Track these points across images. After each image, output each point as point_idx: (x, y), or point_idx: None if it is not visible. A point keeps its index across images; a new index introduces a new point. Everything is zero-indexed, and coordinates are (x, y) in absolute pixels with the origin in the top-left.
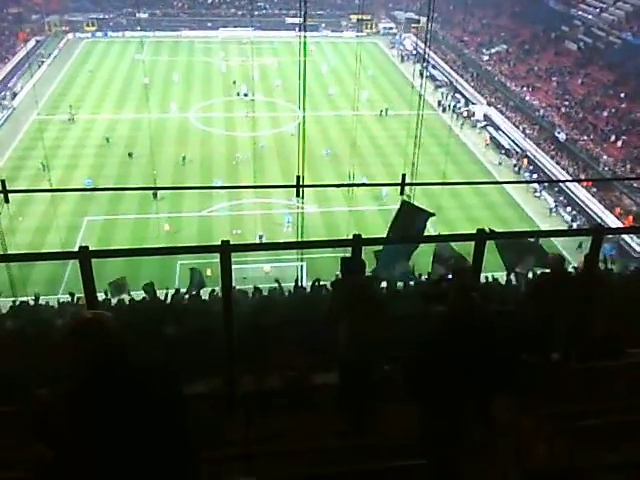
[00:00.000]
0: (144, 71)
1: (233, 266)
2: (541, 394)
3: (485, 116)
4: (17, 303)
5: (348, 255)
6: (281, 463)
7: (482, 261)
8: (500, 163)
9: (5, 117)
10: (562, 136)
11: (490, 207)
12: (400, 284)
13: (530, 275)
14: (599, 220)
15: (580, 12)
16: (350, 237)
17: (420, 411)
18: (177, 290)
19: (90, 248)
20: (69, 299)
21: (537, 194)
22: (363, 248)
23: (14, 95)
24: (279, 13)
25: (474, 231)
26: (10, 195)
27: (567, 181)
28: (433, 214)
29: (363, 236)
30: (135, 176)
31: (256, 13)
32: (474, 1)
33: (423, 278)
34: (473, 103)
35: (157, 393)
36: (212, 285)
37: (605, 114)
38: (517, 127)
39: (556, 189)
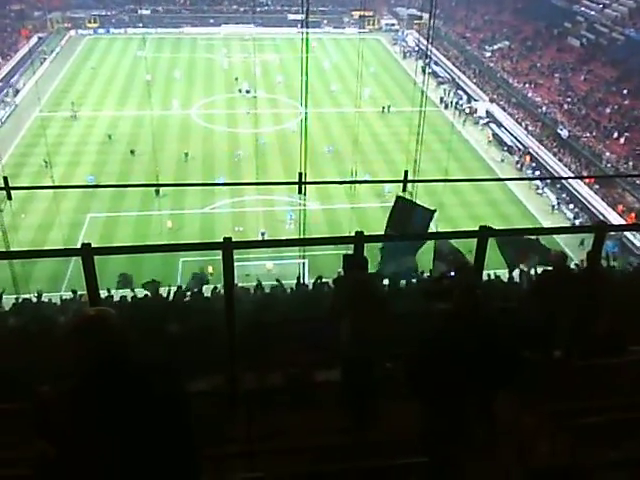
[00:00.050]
0: (146, 68)
1: (235, 263)
2: (543, 391)
3: (487, 113)
4: (20, 300)
5: (350, 252)
6: (283, 460)
7: (484, 258)
8: (502, 160)
9: (7, 114)
10: (565, 133)
11: (492, 204)
12: (403, 281)
13: (532, 272)
14: (601, 217)
15: (583, 8)
16: (352, 234)
17: (422, 408)
18: (179, 287)
19: (92, 245)
20: (71, 296)
21: (539, 191)
22: (366, 245)
23: (16, 92)
24: (281, 9)
25: (476, 228)
26: (12, 192)
27: (570, 178)
28: (434, 211)
29: (365, 233)
30: (137, 173)
31: (258, 9)
32: None
33: (425, 275)
34: (475, 100)
35: (159, 391)
36: (214, 283)
37: (608, 111)
38: (519, 124)
39: (558, 186)
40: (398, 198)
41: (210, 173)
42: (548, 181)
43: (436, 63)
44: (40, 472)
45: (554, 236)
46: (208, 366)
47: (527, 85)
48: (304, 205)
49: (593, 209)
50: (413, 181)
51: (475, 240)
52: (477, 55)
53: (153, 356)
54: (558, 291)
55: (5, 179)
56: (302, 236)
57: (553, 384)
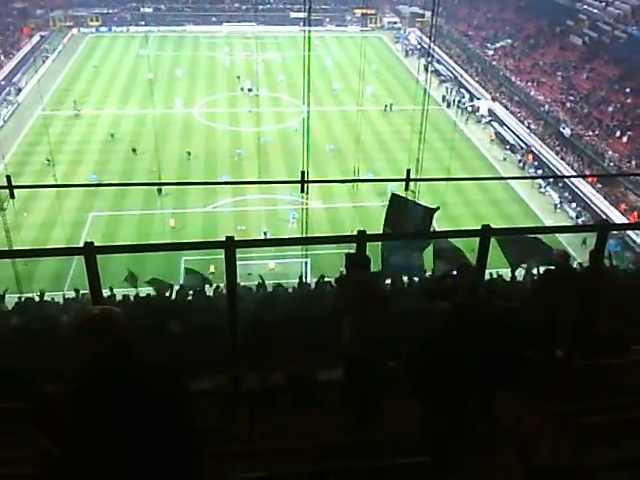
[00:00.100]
0: (148, 66)
1: (237, 262)
2: (545, 391)
3: (490, 111)
4: (22, 299)
5: (353, 251)
6: (285, 460)
7: (487, 257)
8: (505, 159)
9: (10, 112)
10: (567, 131)
11: (495, 203)
12: (405, 278)
13: (535, 272)
14: (604, 216)
15: (585, 6)
16: (355, 233)
17: (424, 408)
18: (181, 286)
19: (95, 244)
20: (74, 295)
21: (542, 190)
22: (368, 244)
23: (19, 90)
24: (283, 7)
25: (478, 227)
26: (15, 190)
27: (572, 177)
28: (435, 209)
29: (368, 232)
30: (140, 172)
31: (260, 8)
32: None
33: (427, 274)
34: (478, 98)
35: (161, 390)
36: (216, 282)
37: (610, 109)
38: (522, 122)
39: (561, 185)
40: (393, 196)
41: (212, 172)
42: (550, 180)
43: (438, 61)
44: (44, 470)
45: (556, 235)
46: (210, 365)
47: (529, 83)
48: (306, 204)
49: (596, 208)
50: (415, 180)
51: (477, 239)
52: (479, 53)
53: (155, 355)
54: (560, 291)
55: (8, 178)
56: (304, 235)
57: (555, 384)
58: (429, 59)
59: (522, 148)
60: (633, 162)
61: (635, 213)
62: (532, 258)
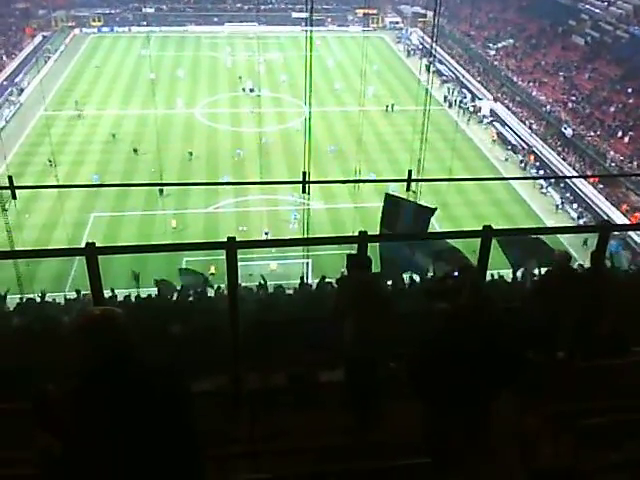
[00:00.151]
0: (150, 67)
1: (238, 263)
2: (546, 392)
3: (492, 111)
4: (24, 300)
5: (354, 252)
6: (287, 461)
7: (488, 258)
8: (506, 159)
9: (12, 113)
10: (569, 132)
11: (496, 203)
12: (406, 278)
13: (536, 272)
14: (605, 217)
15: (587, 6)
16: (356, 234)
17: (425, 409)
18: (182, 287)
19: (97, 245)
20: (75, 296)
21: (543, 190)
22: (369, 245)
23: (21, 91)
24: (285, 8)
25: (480, 228)
26: (17, 191)
27: (574, 177)
28: (434, 209)
29: (369, 233)
30: (141, 172)
31: (262, 8)
32: None
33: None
34: (479, 98)
35: (162, 391)
36: (217, 282)
37: (612, 109)
38: (524, 123)
39: (562, 185)
40: (387, 196)
41: (214, 172)
42: (552, 180)
43: (440, 61)
44: (45, 470)
45: (558, 236)
46: (212, 366)
47: (531, 83)
48: (308, 205)
49: (597, 208)
50: (417, 180)
51: (479, 240)
52: (481, 53)
53: (157, 356)
54: (561, 291)
55: (10, 178)
56: (306, 236)
57: (556, 385)
58: (431, 59)
59: (524, 148)
60: (635, 162)
61: (637, 214)
62: (533, 259)
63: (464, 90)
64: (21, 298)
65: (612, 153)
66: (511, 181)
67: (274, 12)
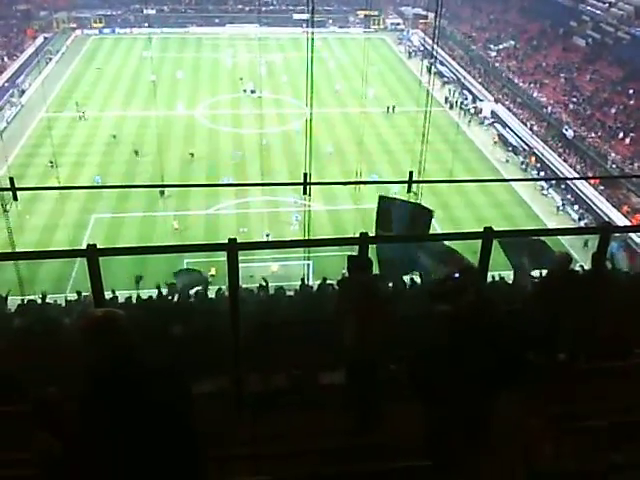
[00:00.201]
0: (152, 68)
1: (240, 264)
2: (548, 394)
3: (492, 113)
4: (25, 301)
5: (355, 253)
6: (287, 462)
7: (489, 260)
8: (507, 160)
9: (13, 114)
10: (570, 133)
11: (497, 205)
12: (407, 280)
13: (537, 274)
14: (606, 218)
15: (588, 7)
16: (357, 235)
17: (426, 411)
18: (181, 288)
19: (98, 246)
20: (76, 297)
21: (544, 192)
22: (370, 246)
23: (22, 92)
24: (286, 9)
25: (481, 229)
26: (18, 192)
27: (575, 179)
28: (428, 210)
29: (370, 234)
30: (142, 174)
31: (263, 9)
32: None
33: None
34: (480, 100)
35: (164, 392)
36: (218, 284)
37: (613, 111)
38: (525, 124)
39: (563, 187)
40: (380, 198)
41: (215, 174)
42: (553, 182)
43: (441, 63)
44: (45, 470)
45: (558, 237)
46: (213, 367)
47: (532, 85)
48: (309, 206)
49: (598, 210)
50: (418, 182)
51: (479, 241)
52: (482, 54)
53: (158, 358)
54: (563, 293)
55: (11, 180)
56: (307, 237)
57: (557, 387)
58: (432, 60)
59: (525, 150)
60: (636, 164)
61: (638, 215)
62: (535, 261)
63: (465, 91)
64: (22, 300)
65: (613, 154)
66: (512, 182)
67: (275, 13)
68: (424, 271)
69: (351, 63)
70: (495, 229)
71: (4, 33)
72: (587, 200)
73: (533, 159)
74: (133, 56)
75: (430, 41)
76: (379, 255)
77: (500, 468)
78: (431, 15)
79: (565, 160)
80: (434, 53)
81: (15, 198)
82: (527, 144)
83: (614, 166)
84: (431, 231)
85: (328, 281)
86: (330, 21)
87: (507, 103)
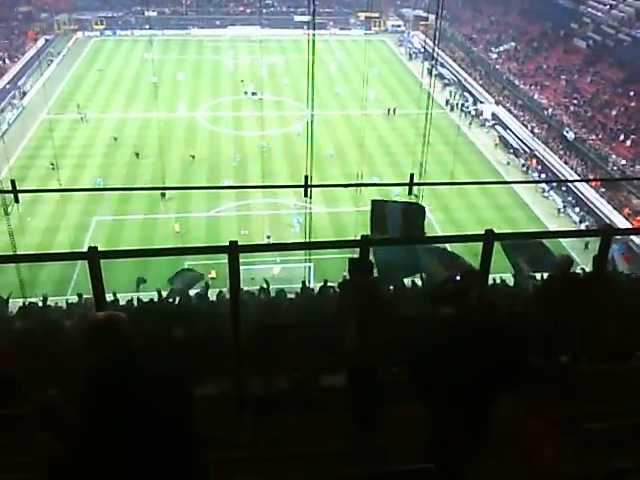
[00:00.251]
0: (153, 70)
1: (240, 267)
2: (550, 397)
3: (493, 115)
4: (26, 304)
5: (356, 256)
6: (289, 465)
7: (490, 262)
8: (508, 163)
9: (15, 116)
10: (571, 135)
11: (498, 207)
12: (408, 283)
13: (538, 276)
14: (607, 220)
15: (589, 9)
16: (358, 238)
17: (427, 413)
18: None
19: (99, 249)
20: (77, 300)
21: (545, 194)
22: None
23: (24, 94)
24: (287, 11)
25: (482, 232)
26: (19, 195)
27: (575, 181)
28: (419, 205)
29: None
30: (143, 176)
31: (264, 11)
32: None
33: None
34: (481, 102)
35: (165, 395)
36: (218, 286)
37: (614, 113)
38: (525, 126)
39: (564, 189)
40: (373, 202)
41: (216, 176)
42: (554, 184)
43: (442, 65)
44: (47, 473)
45: (559, 240)
46: (214, 370)
47: (533, 87)
48: (310, 208)
49: (599, 212)
50: (419, 184)
51: (481, 244)
52: (483, 56)
53: (159, 361)
54: (564, 296)
55: (12, 182)
56: (308, 239)
57: (560, 389)
58: (433, 62)
59: (525, 152)
60: (637, 166)
61: (639, 217)
62: (536, 263)
63: (466, 93)
64: (23, 302)
65: (614, 157)
66: (513, 185)
67: (276, 15)
68: (425, 273)
69: (352, 65)
70: (496, 231)
71: (5, 35)
72: (588, 202)
73: (534, 161)
74: (134, 58)
75: (431, 43)
76: (375, 258)
77: (502, 470)
78: (432, 17)
79: (566, 162)
80: (435, 55)
81: (16, 200)
82: (528, 146)
83: (615, 168)
84: (431, 233)
85: (329, 283)
86: (331, 23)
87: (508, 105)
